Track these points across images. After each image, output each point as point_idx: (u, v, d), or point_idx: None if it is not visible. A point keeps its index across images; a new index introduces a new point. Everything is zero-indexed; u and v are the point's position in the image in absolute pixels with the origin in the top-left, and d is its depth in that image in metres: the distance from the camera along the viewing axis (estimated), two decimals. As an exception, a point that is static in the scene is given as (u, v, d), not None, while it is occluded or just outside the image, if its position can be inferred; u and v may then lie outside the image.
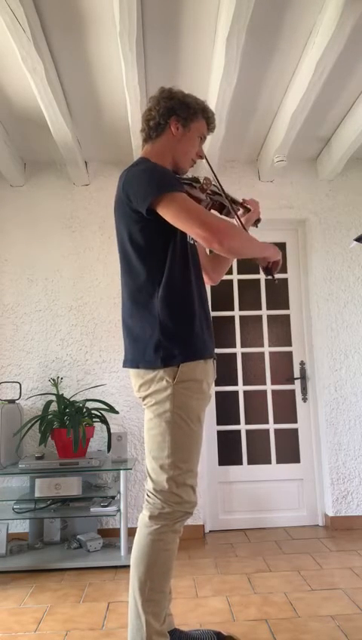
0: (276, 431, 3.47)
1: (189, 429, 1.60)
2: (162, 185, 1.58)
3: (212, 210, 1.83)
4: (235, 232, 1.59)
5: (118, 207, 1.71)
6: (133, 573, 1.57)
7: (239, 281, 3.60)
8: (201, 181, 1.79)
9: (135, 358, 1.66)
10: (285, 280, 3.61)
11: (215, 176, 1.85)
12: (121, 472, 2.80)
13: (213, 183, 1.81)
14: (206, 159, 1.85)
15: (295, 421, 3.48)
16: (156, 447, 1.61)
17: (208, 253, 2.01)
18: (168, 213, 1.57)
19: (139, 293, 1.66)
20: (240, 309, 3.58)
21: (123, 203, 1.67)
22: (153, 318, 1.62)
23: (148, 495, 1.63)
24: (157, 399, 1.60)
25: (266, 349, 3.54)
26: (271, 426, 3.47)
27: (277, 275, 1.85)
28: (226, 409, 3.48)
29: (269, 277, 1.83)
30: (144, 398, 1.66)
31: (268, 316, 3.58)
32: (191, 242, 1.75)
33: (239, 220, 1.86)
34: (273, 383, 3.51)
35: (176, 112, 1.73)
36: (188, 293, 1.66)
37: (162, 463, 1.59)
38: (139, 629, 1.53)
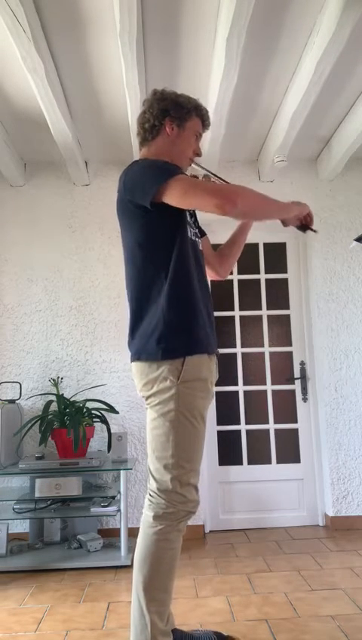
0: (276, 431, 3.47)
1: (193, 428, 1.60)
2: (164, 173, 1.57)
3: None
4: (247, 191, 1.56)
5: (120, 208, 1.71)
6: (137, 573, 1.56)
7: (239, 281, 3.60)
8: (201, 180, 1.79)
9: (138, 351, 1.65)
10: (285, 280, 3.61)
11: (212, 173, 1.84)
12: (121, 472, 2.80)
13: (211, 180, 1.81)
14: (194, 161, 1.84)
15: (295, 421, 3.47)
16: (160, 446, 1.60)
17: (213, 248, 2.01)
18: (175, 195, 1.54)
19: (147, 289, 1.65)
20: (241, 309, 3.57)
21: (125, 202, 1.67)
22: (158, 312, 1.62)
23: (150, 495, 1.62)
24: (161, 399, 1.59)
25: (266, 349, 3.54)
26: (272, 426, 3.47)
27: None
28: (226, 409, 3.48)
29: (309, 231, 1.81)
30: (147, 398, 1.64)
31: (268, 316, 3.58)
32: (193, 239, 1.74)
33: None
34: (273, 383, 3.51)
35: (169, 113, 1.74)
36: (191, 290, 1.66)
37: (166, 462, 1.58)
38: (143, 629, 1.52)
